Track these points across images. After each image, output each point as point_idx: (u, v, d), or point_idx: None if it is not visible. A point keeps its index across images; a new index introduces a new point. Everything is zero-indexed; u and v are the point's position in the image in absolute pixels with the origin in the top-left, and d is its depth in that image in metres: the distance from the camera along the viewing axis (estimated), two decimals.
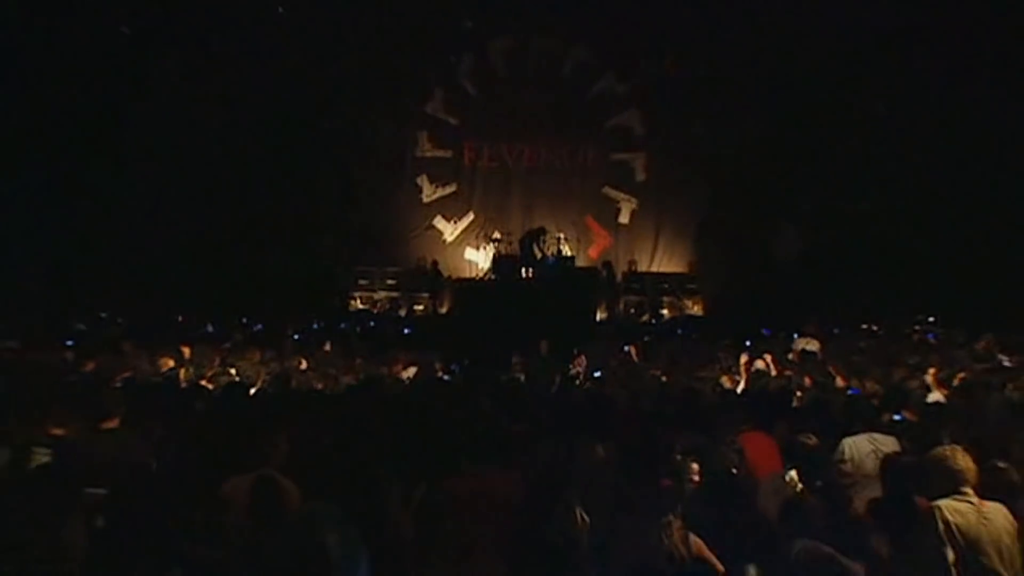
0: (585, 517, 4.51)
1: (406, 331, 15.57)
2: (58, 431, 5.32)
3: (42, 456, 4.88)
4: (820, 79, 17.34)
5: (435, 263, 18.35)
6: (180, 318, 14.97)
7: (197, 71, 16.77)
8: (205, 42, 16.85)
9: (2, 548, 3.48)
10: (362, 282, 18.05)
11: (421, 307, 17.71)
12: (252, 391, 8.56)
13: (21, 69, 15.15)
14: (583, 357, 11.60)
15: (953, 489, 4.23)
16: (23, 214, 15.38)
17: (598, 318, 16.77)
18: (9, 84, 15.07)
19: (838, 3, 16.49)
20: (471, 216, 19.32)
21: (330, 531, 2.54)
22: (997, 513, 4.13)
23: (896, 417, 6.33)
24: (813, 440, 5.65)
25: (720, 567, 4.08)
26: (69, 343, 11.84)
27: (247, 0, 17.40)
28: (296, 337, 14.11)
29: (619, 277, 18.12)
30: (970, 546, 4.05)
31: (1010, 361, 10.52)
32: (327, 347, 12.47)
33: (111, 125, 16.47)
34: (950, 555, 4.05)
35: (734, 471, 5.22)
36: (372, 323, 16.38)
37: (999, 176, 15.91)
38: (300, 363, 11.13)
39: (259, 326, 15.11)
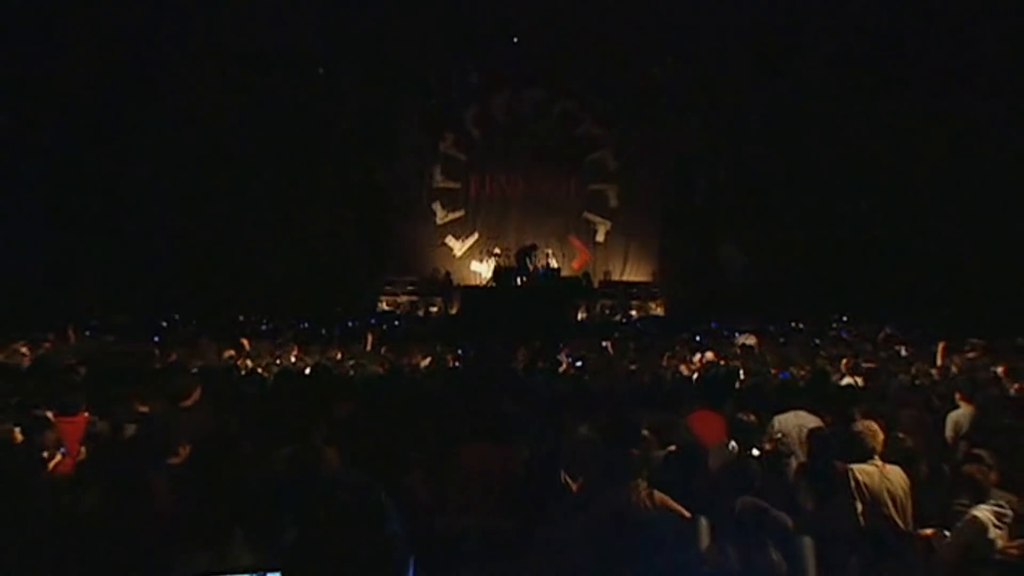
0: (569, 481, 4.54)
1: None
2: (144, 408, 5.35)
3: (131, 428, 4.92)
4: (746, 142, 17.36)
5: (447, 273, 18.35)
6: (241, 317, 14.96)
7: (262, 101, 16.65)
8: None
9: (106, 497, 3.51)
10: (388, 288, 18.05)
11: (435, 308, 17.68)
12: (297, 377, 8.54)
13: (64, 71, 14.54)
14: (567, 349, 11.59)
15: (865, 456, 4.26)
16: (116, 232, 15.40)
17: (579, 318, 16.76)
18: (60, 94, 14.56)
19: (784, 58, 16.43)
20: (476, 235, 19.31)
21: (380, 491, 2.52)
22: (895, 474, 4.17)
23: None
24: (752, 417, 5.67)
25: (685, 512, 4.09)
26: (155, 338, 11.85)
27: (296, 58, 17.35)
28: (335, 333, 14.10)
29: (596, 285, 18.12)
30: (874, 499, 4.09)
31: (905, 351, 10.61)
32: (369, 341, 12.35)
33: (170, 148, 16.28)
34: (859, 507, 4.09)
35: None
36: (396, 322, 16.39)
37: (890, 202, 16.06)
38: (337, 354, 11.13)
39: (304, 324, 15.12)
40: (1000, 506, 3.70)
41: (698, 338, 13.67)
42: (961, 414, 5.79)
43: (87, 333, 12.53)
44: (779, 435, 5.36)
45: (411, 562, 1.79)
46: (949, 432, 5.72)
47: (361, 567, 1.67)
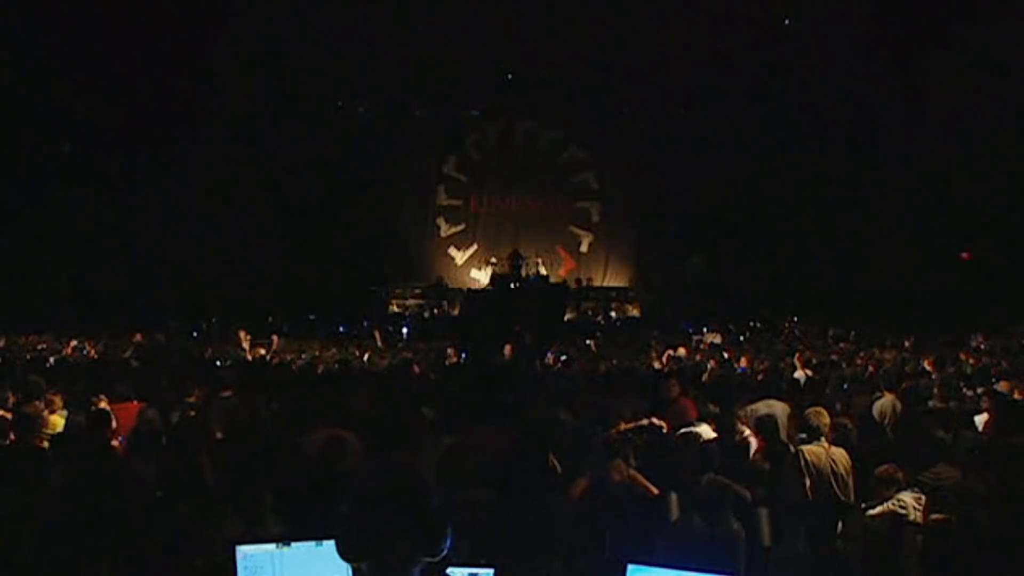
0: (555, 462, 4.56)
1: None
2: (189, 398, 5.36)
3: (176, 415, 4.93)
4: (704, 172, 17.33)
5: (447, 279, 18.39)
6: (270, 319, 14.94)
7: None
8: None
9: (161, 471, 3.53)
10: (397, 292, 17.99)
11: (439, 311, 17.69)
12: (320, 369, 8.54)
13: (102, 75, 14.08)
14: (554, 347, 11.58)
15: (814, 438, 4.30)
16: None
17: (566, 319, 16.80)
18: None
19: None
20: (475, 247, 19.30)
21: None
22: (839, 455, 4.22)
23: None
24: (716, 407, 5.68)
25: (653, 490, 4.13)
26: (194, 335, 11.82)
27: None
28: (352, 331, 14.10)
29: (580, 289, 18.16)
30: (820, 477, 4.15)
31: (844, 347, 10.73)
32: (378, 336, 12.32)
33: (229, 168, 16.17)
34: (807, 483, 4.14)
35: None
36: (404, 322, 16.41)
37: (835, 219, 16.15)
38: (355, 351, 11.12)
39: (326, 324, 15.10)
40: (916, 493, 3.89)
41: (670, 336, 13.71)
42: (884, 402, 5.89)
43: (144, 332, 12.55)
44: (744, 420, 5.37)
45: (449, 533, 1.80)
46: (876, 417, 5.81)
47: (408, 536, 1.70)
